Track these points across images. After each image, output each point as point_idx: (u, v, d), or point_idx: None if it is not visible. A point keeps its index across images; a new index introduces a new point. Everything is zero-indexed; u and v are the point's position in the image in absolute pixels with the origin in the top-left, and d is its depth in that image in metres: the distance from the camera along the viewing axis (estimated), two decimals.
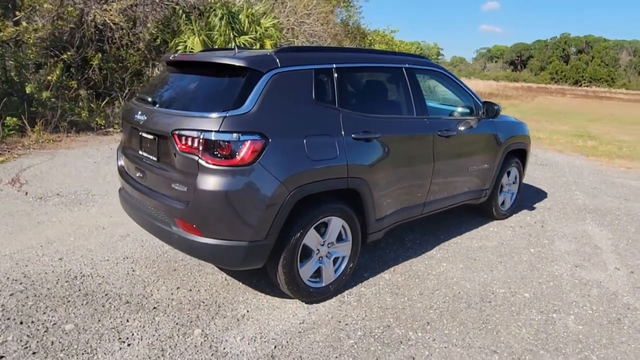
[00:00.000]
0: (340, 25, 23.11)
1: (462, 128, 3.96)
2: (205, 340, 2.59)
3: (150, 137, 2.94)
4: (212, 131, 2.51)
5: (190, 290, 3.18)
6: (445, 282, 3.43)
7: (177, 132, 2.63)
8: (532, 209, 5.45)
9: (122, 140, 3.53)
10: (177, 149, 2.64)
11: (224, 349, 2.53)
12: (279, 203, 2.66)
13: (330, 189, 2.91)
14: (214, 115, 2.55)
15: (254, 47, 13.63)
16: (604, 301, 3.26)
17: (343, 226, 3.09)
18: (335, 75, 3.06)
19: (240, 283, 3.29)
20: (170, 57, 3.20)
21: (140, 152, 3.07)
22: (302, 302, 3.05)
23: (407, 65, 3.67)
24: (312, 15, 18.05)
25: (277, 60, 2.79)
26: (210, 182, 2.54)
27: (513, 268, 3.75)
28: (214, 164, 2.53)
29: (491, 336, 2.75)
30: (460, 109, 4.15)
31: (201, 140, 2.53)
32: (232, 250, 2.65)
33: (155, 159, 2.93)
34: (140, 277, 3.33)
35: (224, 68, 2.81)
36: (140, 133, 3.04)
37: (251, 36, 13.56)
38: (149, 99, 3.00)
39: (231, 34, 13.47)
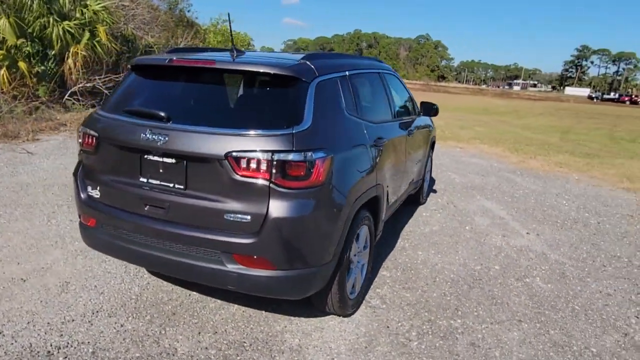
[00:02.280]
0: (169, 13, 21.40)
1: (414, 126, 4.36)
2: None
3: (171, 161, 2.39)
4: (286, 151, 2.21)
5: (216, 332, 2.75)
6: (434, 270, 3.79)
7: (235, 154, 2.21)
8: (433, 191, 6.33)
9: (86, 165, 2.73)
10: (236, 173, 2.23)
11: None
12: (345, 220, 2.54)
13: (369, 199, 2.89)
14: (283, 132, 2.24)
15: (84, 33, 11.64)
16: (542, 261, 4.13)
17: (367, 233, 3.11)
18: (350, 82, 3.02)
19: (262, 312, 2.99)
20: (166, 61, 2.59)
21: (149, 180, 2.47)
22: (339, 316, 2.97)
23: (381, 71, 3.83)
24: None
25: (314, 68, 2.60)
26: (287, 208, 2.25)
27: (468, 246, 4.37)
28: (288, 187, 2.25)
29: (506, 308, 3.22)
30: (410, 108, 4.54)
31: (274, 162, 2.20)
32: (304, 279, 2.42)
33: (181, 187, 2.39)
34: (139, 332, 2.70)
35: (258, 76, 2.47)
36: (148, 156, 2.43)
37: (77, 21, 11.49)
38: (160, 114, 2.39)
39: (50, 18, 11.18)
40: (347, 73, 3.02)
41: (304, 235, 2.34)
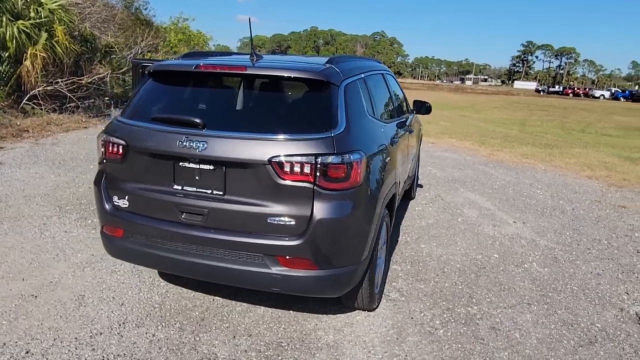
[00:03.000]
0: (125, 11, 20.58)
1: (410, 123, 4.53)
2: None
3: (209, 167, 2.40)
4: (329, 154, 2.29)
5: (251, 335, 2.78)
6: (440, 261, 3.98)
7: (278, 159, 2.26)
8: (419, 185, 6.57)
9: (111, 174, 2.68)
10: (280, 177, 2.28)
11: None
12: (378, 218, 2.64)
13: (391, 196, 3.01)
14: (323, 136, 2.31)
15: (41, 34, 11.04)
16: (534, 247, 4.42)
17: (385, 229, 3.23)
18: (366, 84, 3.12)
19: (290, 312, 3.04)
20: (193, 67, 2.59)
21: (184, 187, 2.46)
22: (365, 311, 3.08)
23: (383, 71, 3.96)
24: None
25: (340, 72, 2.68)
26: (331, 209, 2.32)
27: (465, 237, 4.60)
28: (331, 189, 2.32)
29: (514, 293, 3.45)
30: (405, 106, 4.70)
31: (318, 165, 2.27)
32: (344, 277, 2.50)
33: (220, 192, 2.41)
34: (174, 340, 2.69)
35: (290, 81, 2.52)
36: (183, 164, 2.42)
37: (33, 21, 10.89)
38: (196, 121, 2.39)
39: (3, 17, 10.55)
40: (363, 75, 3.12)
41: (345, 235, 2.43)
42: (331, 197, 2.33)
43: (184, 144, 2.38)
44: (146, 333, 2.76)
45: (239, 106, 2.68)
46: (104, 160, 2.70)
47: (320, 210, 2.31)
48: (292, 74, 2.49)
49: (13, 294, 3.13)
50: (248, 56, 2.85)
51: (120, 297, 3.17)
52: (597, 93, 64.93)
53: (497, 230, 4.85)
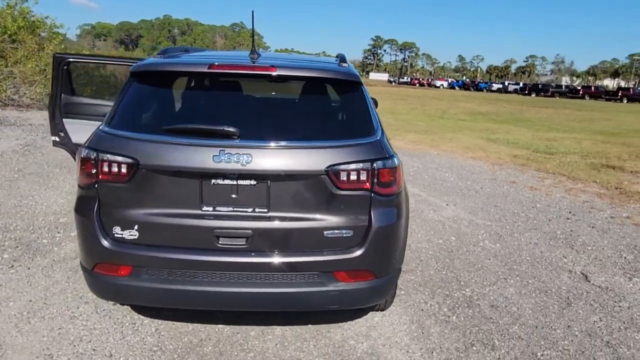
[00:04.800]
0: None
1: None
2: None
3: (250, 182, 2.09)
4: (382, 158, 2.19)
5: (283, 359, 2.55)
6: (411, 249, 4.16)
7: (336, 167, 2.07)
8: None
9: (111, 200, 2.16)
10: (337, 187, 2.10)
11: None
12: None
13: None
14: (373, 140, 2.20)
15: None
16: (476, 226, 4.93)
17: None
18: None
19: (308, 326, 2.87)
20: (206, 68, 2.19)
21: (215, 208, 2.11)
22: (378, 311, 3.08)
23: None
24: None
25: (353, 70, 2.57)
26: (386, 216, 2.24)
27: (418, 224, 4.89)
28: (384, 195, 2.23)
29: (488, 270, 3.80)
30: None
31: (375, 171, 2.15)
32: (392, 282, 2.45)
33: (264, 209, 2.13)
34: None
35: (321, 83, 2.33)
36: (215, 181, 2.07)
37: None
38: (231, 130, 2.04)
39: None
40: None
41: (396, 240, 2.37)
42: (385, 203, 2.26)
43: (221, 158, 2.03)
44: None
45: (269, 112, 2.38)
46: (95, 184, 2.15)
47: (377, 217, 2.22)
48: (327, 75, 2.32)
49: None
50: (247, 54, 2.55)
51: (102, 346, 2.60)
52: (438, 83, 74.60)
53: (438, 214, 5.28)
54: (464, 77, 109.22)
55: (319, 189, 2.13)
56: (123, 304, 2.91)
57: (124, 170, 2.09)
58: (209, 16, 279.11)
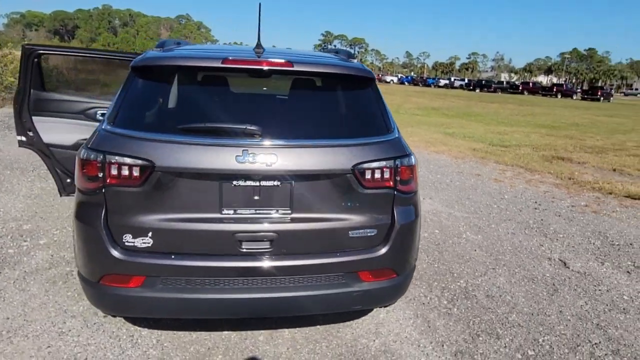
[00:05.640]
0: None
1: None
2: None
3: (274, 183, 2.00)
4: (404, 156, 2.17)
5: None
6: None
7: (361, 166, 2.02)
8: None
9: (120, 207, 1.98)
10: (362, 186, 2.05)
11: None
12: None
13: None
14: (392, 137, 2.17)
15: None
16: (455, 218, 5.07)
17: None
18: None
19: (317, 327, 2.82)
20: (220, 62, 2.06)
21: (237, 211, 2.00)
22: (381, 308, 3.08)
23: None
24: None
25: (366, 67, 2.54)
26: (407, 213, 2.23)
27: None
28: (405, 193, 2.22)
29: (476, 261, 3.92)
30: None
31: (398, 169, 2.13)
32: (410, 279, 2.44)
33: (287, 211, 2.04)
34: None
35: (338, 79, 2.26)
36: (236, 182, 1.95)
37: None
38: (253, 129, 1.93)
39: None
40: None
41: (416, 237, 2.37)
42: (405, 201, 2.25)
43: (245, 159, 1.92)
44: None
45: (288, 109, 2.28)
46: (102, 189, 1.96)
47: (399, 215, 2.21)
48: (345, 71, 2.26)
49: None
50: (251, 49, 2.43)
51: None
52: (388, 78, 76.20)
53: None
54: (412, 73, 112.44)
55: (344, 188, 2.09)
56: (133, 317, 2.69)
57: (136, 173, 1.92)
58: (152, 7, 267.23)
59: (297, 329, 2.80)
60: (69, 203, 4.83)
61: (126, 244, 2.01)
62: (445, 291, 3.39)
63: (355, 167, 2.07)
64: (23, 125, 3.39)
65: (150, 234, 1.99)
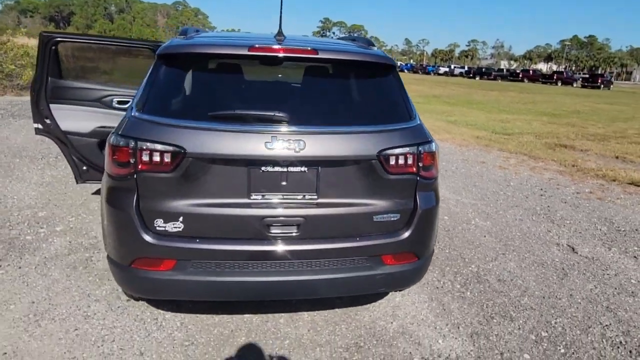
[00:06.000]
0: None
1: None
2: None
3: (302, 169, 2.04)
4: (426, 142, 2.21)
5: (321, 345, 2.56)
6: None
7: (386, 152, 2.07)
8: None
9: (151, 192, 2.03)
10: (386, 172, 2.10)
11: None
12: None
13: None
14: (415, 124, 2.22)
15: None
16: (462, 205, 5.14)
17: None
18: None
19: (335, 310, 2.90)
20: (247, 50, 2.09)
21: (265, 196, 2.05)
22: (396, 292, 3.15)
23: None
24: None
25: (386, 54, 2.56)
26: (429, 198, 2.28)
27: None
28: (427, 178, 2.27)
29: (486, 247, 3.99)
30: None
31: (421, 155, 2.17)
32: (429, 263, 2.50)
33: (314, 196, 2.09)
34: None
35: (361, 66, 2.29)
36: (265, 168, 2.00)
37: None
38: (281, 115, 1.96)
39: None
40: None
41: (435, 222, 2.43)
42: (427, 186, 2.30)
43: (274, 145, 1.96)
44: None
45: (314, 96, 2.31)
46: (134, 175, 2.00)
47: (422, 200, 2.26)
48: (368, 59, 2.29)
49: None
50: (273, 36, 2.45)
51: (129, 345, 2.48)
52: None
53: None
54: (411, 61, 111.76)
55: (369, 174, 2.13)
56: (163, 300, 2.75)
57: (167, 159, 1.96)
58: None
59: (316, 312, 2.87)
60: (81, 191, 4.88)
61: (157, 228, 2.06)
62: (457, 276, 3.46)
63: (380, 153, 2.12)
64: (40, 112, 3.41)
65: (180, 219, 2.04)
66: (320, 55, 2.19)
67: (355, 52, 2.33)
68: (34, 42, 14.88)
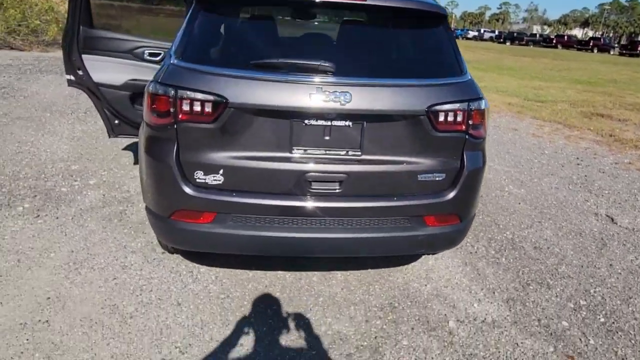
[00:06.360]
0: None
1: None
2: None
3: (346, 123, 1.96)
4: (477, 99, 2.09)
5: (355, 303, 2.57)
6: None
7: (435, 107, 1.96)
8: None
9: (193, 143, 1.99)
10: (434, 129, 2.00)
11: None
12: None
13: None
14: (466, 79, 2.09)
15: None
16: (495, 172, 4.99)
17: None
18: None
19: (368, 271, 2.88)
20: None
21: (307, 151, 2.00)
22: (429, 255, 3.11)
23: None
24: None
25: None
26: (476, 159, 2.19)
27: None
28: (475, 137, 2.16)
29: (521, 214, 3.89)
30: None
31: (471, 112, 2.06)
32: (469, 226, 2.43)
33: (357, 152, 2.02)
34: (283, 331, 2.31)
35: (403, 14, 2.15)
36: (308, 121, 1.92)
37: None
38: (328, 65, 1.86)
39: None
40: None
41: (480, 184, 2.34)
42: (475, 146, 2.19)
43: (319, 96, 1.87)
44: (246, 330, 2.29)
45: (361, 46, 2.19)
46: (174, 125, 1.95)
47: (469, 160, 2.16)
48: (420, 7, 2.13)
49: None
50: None
51: (166, 295, 2.52)
52: None
53: None
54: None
55: (415, 131, 2.03)
56: (197, 253, 2.76)
57: (209, 109, 1.90)
58: None
59: (349, 271, 2.86)
60: (112, 145, 4.92)
61: (197, 180, 2.02)
62: (492, 242, 3.39)
63: (429, 109, 2.01)
64: (72, 63, 3.36)
65: (220, 172, 2.00)
66: (369, 2, 2.04)
67: None
68: None
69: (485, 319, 2.50)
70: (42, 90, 7.51)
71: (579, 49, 48.14)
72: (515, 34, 59.56)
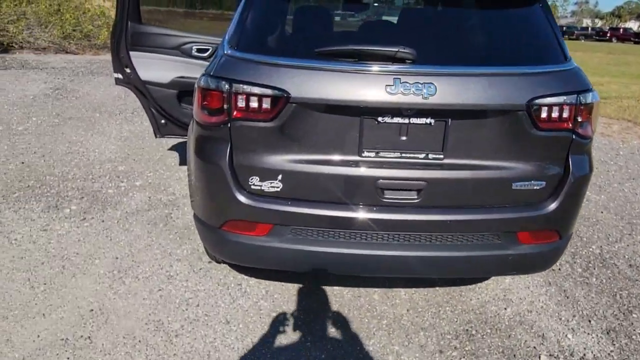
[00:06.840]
0: None
1: None
2: None
3: (427, 121, 1.65)
4: (587, 90, 1.73)
5: (424, 329, 2.24)
6: None
7: (537, 101, 1.61)
8: None
9: (248, 144, 1.73)
10: (536, 126, 1.65)
11: None
12: None
13: None
14: (571, 67, 1.73)
15: None
16: None
17: None
18: None
19: (435, 289, 2.54)
20: None
21: (379, 154, 1.69)
22: None
23: None
24: None
25: None
26: (583, 163, 1.82)
27: None
28: (584, 137, 1.79)
29: (607, 225, 3.40)
30: None
31: (581, 107, 1.69)
32: (567, 244, 2.05)
33: (439, 156, 1.70)
34: (345, 353, 2.02)
35: None
36: (384, 118, 1.62)
37: None
38: (407, 52, 1.56)
39: None
40: None
41: (584, 195, 1.96)
42: (582, 147, 1.82)
43: (398, 89, 1.57)
44: (303, 358, 2.02)
45: (443, 28, 1.88)
46: (228, 123, 1.71)
47: (575, 165, 1.79)
48: None
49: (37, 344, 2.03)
50: None
51: (214, 312, 2.29)
52: None
53: None
54: None
55: (512, 129, 1.69)
56: (256, 268, 2.49)
57: (267, 105, 1.64)
58: None
59: (414, 289, 2.53)
60: (157, 146, 4.81)
61: (252, 187, 1.77)
62: (576, 257, 2.95)
63: (530, 103, 1.66)
64: (120, 61, 3.23)
65: (280, 177, 1.74)
66: None
67: None
68: (108, 4, 15.25)
69: (584, 355, 2.10)
70: (92, 91, 7.62)
71: (636, 42, 44.96)
72: (564, 27, 56.46)
